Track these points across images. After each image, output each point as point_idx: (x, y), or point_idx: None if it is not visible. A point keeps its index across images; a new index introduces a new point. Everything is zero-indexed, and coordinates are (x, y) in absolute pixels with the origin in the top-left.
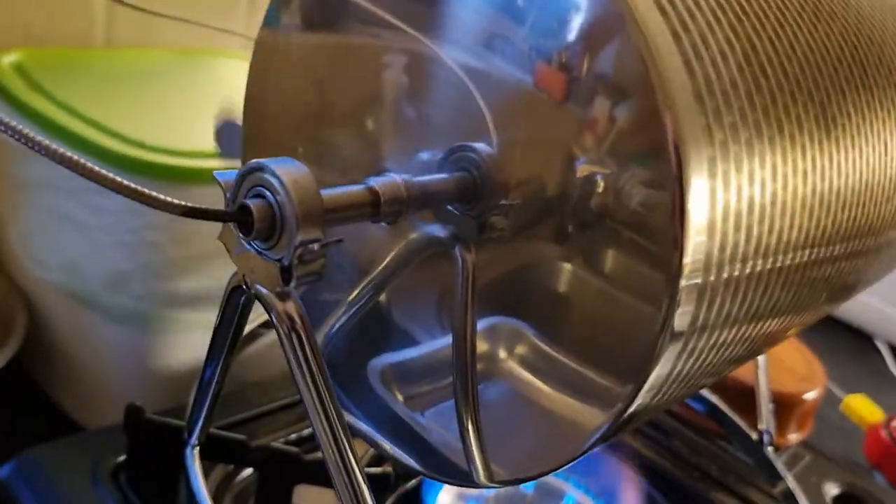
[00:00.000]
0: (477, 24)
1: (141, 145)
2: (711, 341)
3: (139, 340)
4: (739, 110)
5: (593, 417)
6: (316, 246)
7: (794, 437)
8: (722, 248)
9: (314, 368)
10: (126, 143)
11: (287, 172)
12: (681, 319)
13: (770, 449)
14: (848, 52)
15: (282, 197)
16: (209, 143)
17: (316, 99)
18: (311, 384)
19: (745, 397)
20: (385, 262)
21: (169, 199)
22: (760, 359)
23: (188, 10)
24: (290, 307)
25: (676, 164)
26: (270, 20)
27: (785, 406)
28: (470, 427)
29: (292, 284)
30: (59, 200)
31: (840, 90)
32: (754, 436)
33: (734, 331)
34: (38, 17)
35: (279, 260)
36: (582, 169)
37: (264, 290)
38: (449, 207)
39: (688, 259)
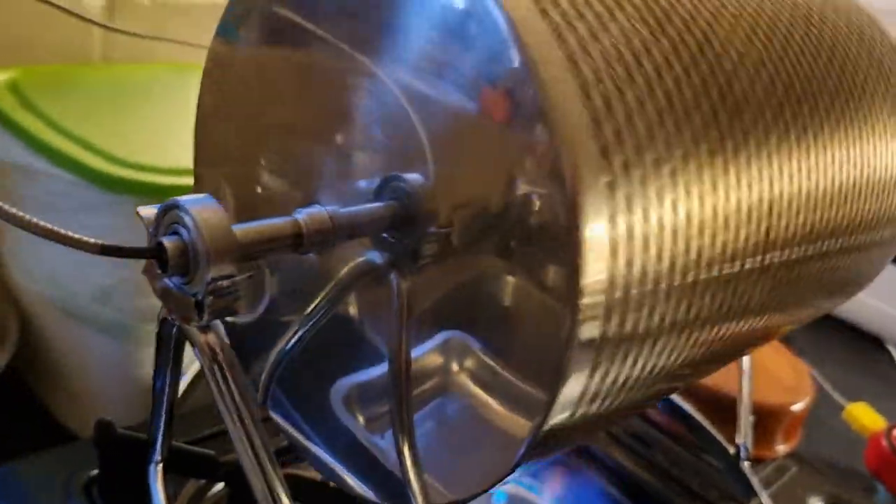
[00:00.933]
0: (415, 48)
1: (131, 165)
2: (632, 355)
3: (125, 351)
4: (646, 130)
5: (519, 432)
6: (226, 282)
7: (781, 448)
8: (629, 266)
9: (237, 398)
10: (115, 163)
11: (199, 210)
12: (588, 331)
13: (746, 463)
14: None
15: (194, 234)
16: None
17: (270, 113)
18: (234, 413)
19: (728, 408)
20: (328, 287)
21: (84, 238)
22: (745, 368)
23: (185, 32)
24: (212, 339)
25: (571, 185)
26: (223, 31)
27: (771, 417)
28: (406, 450)
29: (205, 319)
30: (42, 215)
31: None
32: (732, 449)
33: (660, 344)
34: (34, 35)
35: (194, 295)
36: (510, 192)
37: (186, 324)
38: (384, 235)
39: (587, 280)
